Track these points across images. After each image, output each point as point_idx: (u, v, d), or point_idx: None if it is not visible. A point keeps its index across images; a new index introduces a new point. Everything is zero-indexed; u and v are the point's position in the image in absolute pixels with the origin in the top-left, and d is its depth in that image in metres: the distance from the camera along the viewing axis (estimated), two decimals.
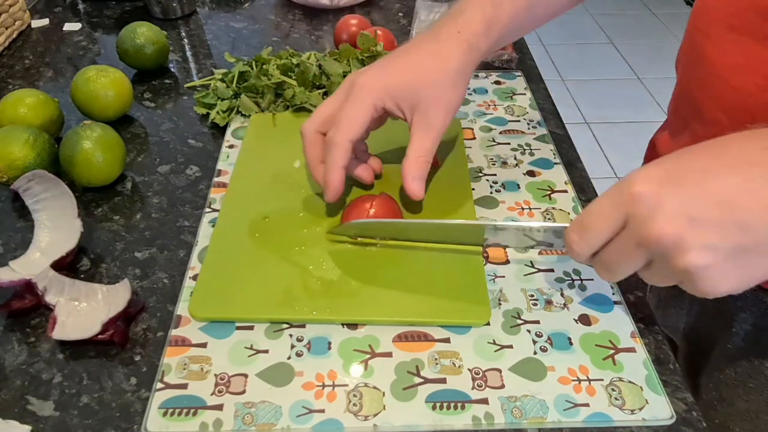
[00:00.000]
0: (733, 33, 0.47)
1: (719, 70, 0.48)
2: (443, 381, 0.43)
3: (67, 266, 0.50)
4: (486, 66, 0.79)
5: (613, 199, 0.36)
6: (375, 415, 0.41)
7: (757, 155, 0.33)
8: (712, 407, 0.57)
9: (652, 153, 0.65)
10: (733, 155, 0.34)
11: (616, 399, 0.42)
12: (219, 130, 0.67)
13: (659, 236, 0.34)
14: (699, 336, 0.61)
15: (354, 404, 0.41)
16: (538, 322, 0.47)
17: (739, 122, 0.47)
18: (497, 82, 0.75)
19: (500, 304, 0.48)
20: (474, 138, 0.65)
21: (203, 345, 0.45)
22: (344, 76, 0.68)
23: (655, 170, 0.35)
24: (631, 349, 0.45)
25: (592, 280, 0.50)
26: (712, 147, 0.35)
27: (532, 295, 0.49)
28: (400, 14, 0.92)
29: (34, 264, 0.49)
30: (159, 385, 0.42)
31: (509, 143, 0.65)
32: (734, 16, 0.46)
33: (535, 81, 0.76)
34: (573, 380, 0.43)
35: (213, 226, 0.54)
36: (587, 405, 0.41)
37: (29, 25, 0.89)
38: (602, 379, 0.43)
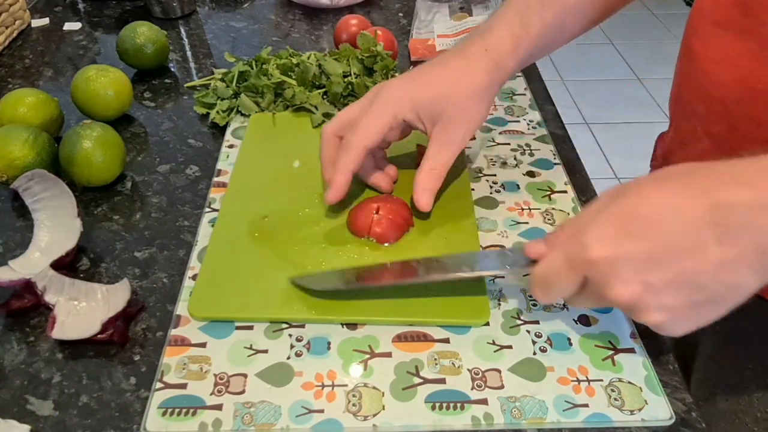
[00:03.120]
0: (718, 28, 0.48)
1: (702, 64, 0.49)
2: (443, 381, 0.43)
3: (66, 266, 0.50)
4: None
5: (571, 261, 0.38)
6: (374, 416, 0.41)
7: (706, 215, 0.33)
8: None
9: (654, 153, 0.66)
10: (685, 213, 0.34)
11: (615, 399, 0.42)
12: (219, 130, 0.67)
13: (617, 300, 0.36)
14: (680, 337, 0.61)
15: (353, 404, 0.41)
16: (537, 322, 0.47)
17: (716, 114, 0.48)
18: None
19: (500, 304, 0.48)
20: (474, 138, 0.65)
21: (203, 345, 0.45)
22: (344, 76, 0.69)
23: (607, 229, 0.36)
24: (631, 350, 0.45)
25: None
26: (663, 196, 0.35)
27: (531, 296, 0.49)
28: (400, 14, 0.92)
29: (33, 263, 0.49)
30: (158, 385, 0.42)
31: (509, 143, 0.65)
32: (719, 11, 0.47)
33: (535, 81, 0.76)
34: (572, 381, 0.43)
35: (213, 225, 0.54)
36: (586, 405, 0.41)
37: (29, 25, 0.89)
38: (602, 380, 0.43)
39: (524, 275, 0.50)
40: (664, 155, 0.62)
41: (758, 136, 0.46)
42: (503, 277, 0.50)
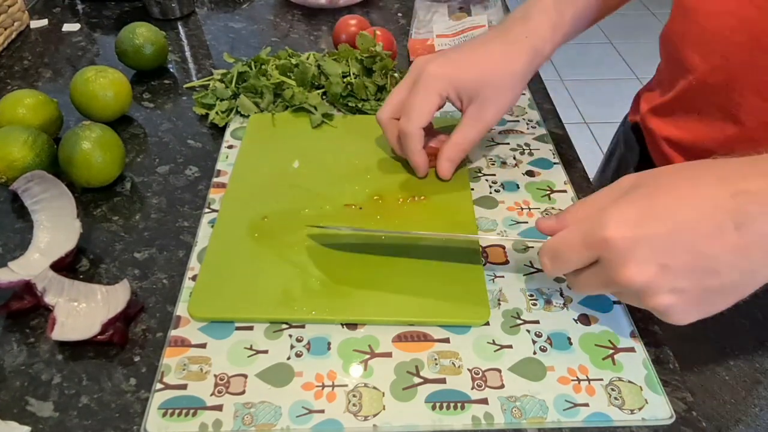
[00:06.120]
0: None
1: (700, 18, 0.51)
2: (443, 381, 0.43)
3: (66, 267, 0.50)
4: None
5: (586, 238, 0.38)
6: (375, 416, 0.41)
7: (726, 202, 0.34)
8: None
9: (635, 106, 0.70)
10: (705, 200, 0.35)
11: (615, 399, 0.42)
12: (218, 131, 0.67)
13: (629, 281, 0.36)
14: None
15: (353, 404, 0.41)
16: (537, 322, 0.47)
17: (712, 65, 0.50)
18: None
19: (500, 304, 0.48)
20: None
21: (203, 345, 0.45)
22: (343, 77, 0.69)
23: (628, 211, 0.36)
24: (631, 349, 0.45)
25: None
26: (683, 185, 0.36)
27: (531, 295, 0.49)
28: (399, 14, 0.92)
29: (33, 265, 0.49)
30: (158, 386, 0.42)
31: (508, 143, 0.65)
32: None
33: (534, 81, 0.75)
34: (572, 380, 0.43)
35: (212, 226, 0.54)
36: (587, 405, 0.41)
37: (28, 26, 0.89)
38: (602, 379, 0.43)
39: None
40: (653, 109, 0.64)
41: (758, 84, 0.48)
42: (507, 262, 0.50)
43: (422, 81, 0.53)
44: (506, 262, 0.51)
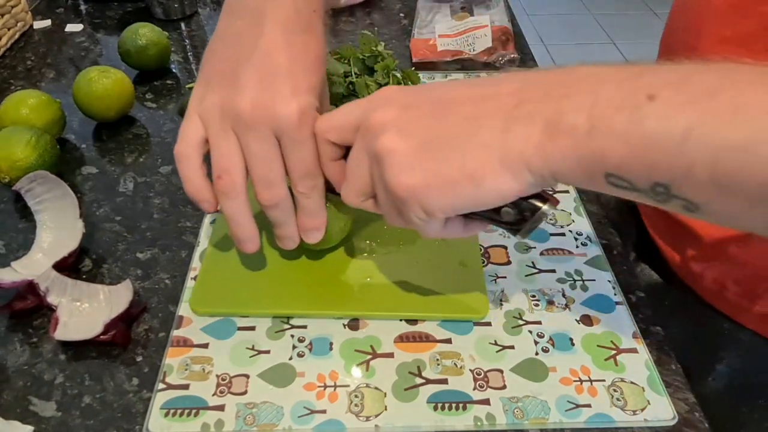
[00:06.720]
0: None
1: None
2: (445, 382, 0.43)
3: (69, 267, 0.50)
4: (488, 66, 0.79)
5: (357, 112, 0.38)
6: (376, 416, 0.41)
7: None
8: None
9: None
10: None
11: (618, 400, 0.42)
12: None
13: (373, 120, 0.36)
14: None
15: (355, 405, 0.41)
16: (539, 322, 0.47)
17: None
18: None
19: (502, 304, 0.48)
20: None
21: (205, 345, 0.45)
22: (345, 76, 0.68)
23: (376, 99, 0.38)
24: (633, 350, 0.45)
25: (594, 280, 0.50)
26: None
27: (533, 296, 0.49)
28: (401, 14, 0.92)
29: (36, 265, 0.49)
30: (161, 386, 0.42)
31: None
32: None
33: None
34: (575, 381, 0.43)
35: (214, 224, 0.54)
36: (589, 406, 0.41)
37: (31, 26, 0.89)
38: (604, 380, 0.43)
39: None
40: None
41: None
42: (509, 263, 0.50)
43: None
44: (508, 263, 0.51)
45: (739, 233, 0.51)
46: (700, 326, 0.61)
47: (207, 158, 0.43)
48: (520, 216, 0.37)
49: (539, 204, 0.36)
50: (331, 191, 0.43)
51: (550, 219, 0.56)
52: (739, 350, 0.57)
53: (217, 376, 0.43)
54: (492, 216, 0.37)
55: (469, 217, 0.38)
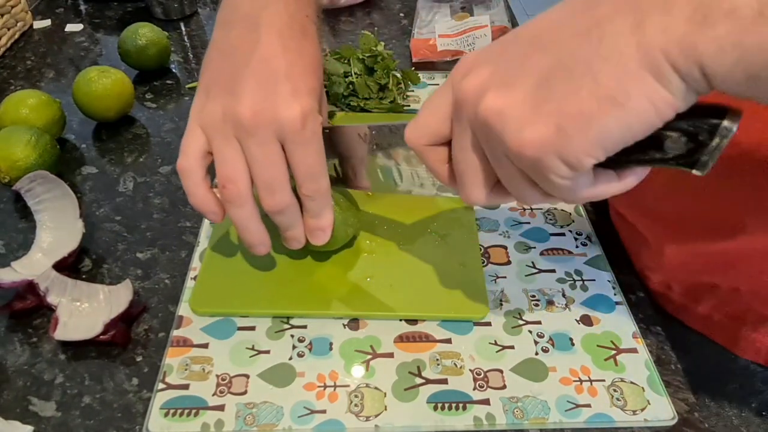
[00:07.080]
0: None
1: None
2: (445, 382, 0.43)
3: (68, 267, 0.50)
4: None
5: (443, 94, 0.34)
6: (376, 416, 0.41)
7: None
8: None
9: None
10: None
11: (617, 400, 0.42)
12: None
13: (466, 90, 0.31)
14: None
15: (355, 405, 0.41)
16: (539, 322, 0.47)
17: None
18: None
19: (501, 304, 0.48)
20: None
21: (205, 345, 0.45)
22: (345, 76, 0.69)
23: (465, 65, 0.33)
24: (633, 350, 0.45)
25: (594, 280, 0.50)
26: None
27: (533, 296, 0.49)
28: (401, 14, 0.92)
29: (36, 265, 0.49)
30: (160, 386, 0.42)
31: None
32: None
33: None
34: (574, 381, 0.43)
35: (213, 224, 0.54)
36: (589, 406, 0.41)
37: (31, 26, 0.89)
38: (604, 380, 0.43)
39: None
40: None
41: None
42: (509, 263, 0.50)
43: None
44: (508, 263, 0.51)
45: (680, 237, 0.50)
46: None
47: (211, 167, 0.43)
48: (694, 143, 0.28)
49: (715, 121, 0.27)
50: (337, 191, 0.42)
51: (549, 218, 0.55)
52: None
53: (217, 376, 0.43)
54: (653, 155, 0.29)
55: (625, 166, 0.30)
